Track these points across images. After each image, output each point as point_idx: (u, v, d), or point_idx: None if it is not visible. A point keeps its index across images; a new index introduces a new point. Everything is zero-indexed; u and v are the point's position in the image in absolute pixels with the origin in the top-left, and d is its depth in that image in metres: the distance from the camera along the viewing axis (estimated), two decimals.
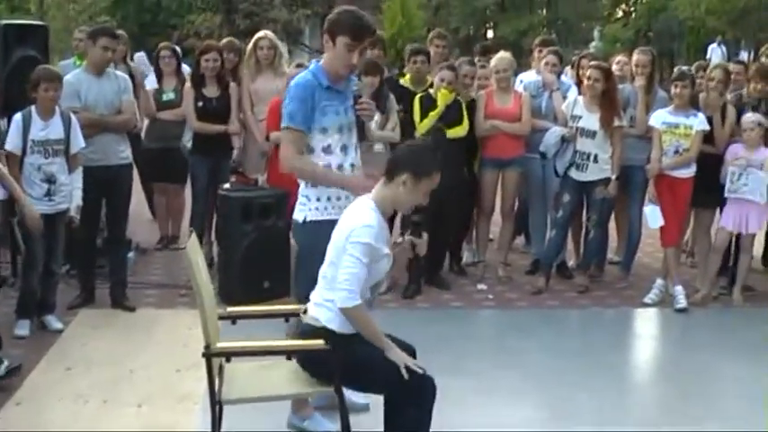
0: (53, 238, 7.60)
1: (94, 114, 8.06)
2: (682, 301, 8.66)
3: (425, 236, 5.05)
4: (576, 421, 6.03)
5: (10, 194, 7.07)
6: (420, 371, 4.63)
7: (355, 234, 4.69)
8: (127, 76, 8.63)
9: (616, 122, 8.81)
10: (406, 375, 4.58)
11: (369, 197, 4.91)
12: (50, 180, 7.48)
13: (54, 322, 7.78)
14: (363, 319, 4.70)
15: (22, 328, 7.58)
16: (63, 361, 6.80)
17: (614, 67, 9.48)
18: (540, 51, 10.27)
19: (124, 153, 8.29)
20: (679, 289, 8.74)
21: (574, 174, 8.92)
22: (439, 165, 4.92)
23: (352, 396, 5.68)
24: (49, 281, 7.80)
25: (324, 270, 4.89)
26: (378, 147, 5.88)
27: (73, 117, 7.68)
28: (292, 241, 5.96)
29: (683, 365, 7.35)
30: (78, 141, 7.67)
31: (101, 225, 8.70)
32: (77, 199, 7.66)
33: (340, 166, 5.49)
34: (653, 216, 8.82)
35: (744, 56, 28.92)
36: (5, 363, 6.44)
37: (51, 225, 7.49)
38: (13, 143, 7.34)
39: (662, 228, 8.86)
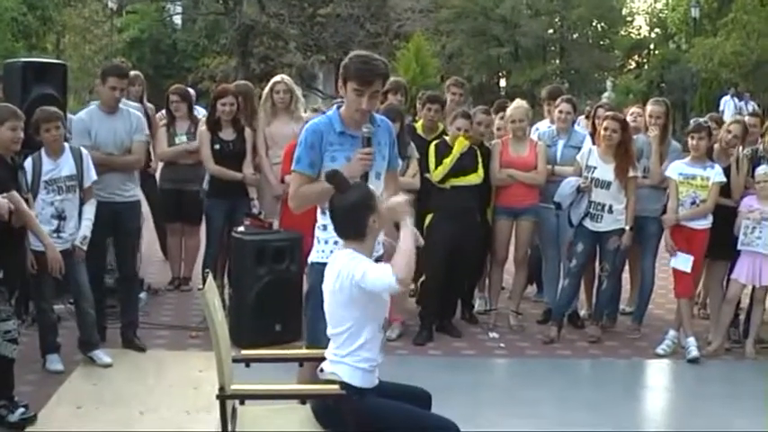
0: (71, 274, 7.60)
1: (101, 153, 8.11)
2: (694, 352, 8.61)
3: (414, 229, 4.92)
4: None
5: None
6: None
7: (348, 267, 4.66)
8: (141, 116, 8.69)
9: (630, 173, 8.82)
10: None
11: (342, 249, 4.88)
12: (60, 216, 7.55)
13: (103, 356, 7.79)
14: (407, 264, 4.58)
15: (53, 363, 7.58)
16: (73, 400, 6.77)
17: (628, 118, 9.49)
18: (549, 104, 10.32)
19: (130, 192, 8.35)
20: (691, 340, 8.70)
21: (588, 224, 8.91)
22: (348, 185, 4.91)
23: None
24: (84, 318, 7.79)
25: (330, 330, 4.83)
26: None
27: (83, 151, 7.75)
28: (305, 285, 5.92)
29: (694, 417, 7.29)
30: (90, 175, 7.73)
31: (113, 266, 8.74)
32: (85, 230, 7.68)
33: None
34: (685, 260, 8.77)
35: (750, 108, 28.95)
36: (21, 409, 6.42)
37: (64, 262, 7.43)
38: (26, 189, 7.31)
39: (675, 278, 8.85)
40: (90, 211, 7.75)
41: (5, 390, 6.49)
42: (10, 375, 6.56)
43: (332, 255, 5.01)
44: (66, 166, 7.59)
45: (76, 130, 8.20)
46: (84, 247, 7.68)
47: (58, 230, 7.52)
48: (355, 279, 4.59)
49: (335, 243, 5.37)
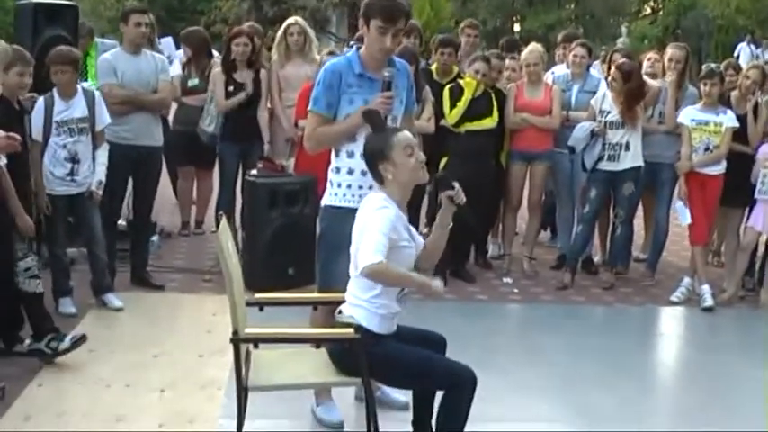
0: (84, 218, 7.63)
1: (131, 91, 8.10)
2: (708, 300, 8.59)
3: (456, 184, 4.91)
4: (598, 420, 5.93)
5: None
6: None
7: (372, 216, 4.67)
8: (164, 57, 8.69)
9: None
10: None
11: (377, 192, 4.88)
12: (74, 159, 7.49)
13: (114, 300, 7.78)
14: (388, 273, 4.59)
15: (66, 306, 7.59)
16: (86, 344, 6.73)
17: (645, 64, 9.44)
18: (565, 48, 10.25)
19: (157, 135, 8.36)
20: (706, 288, 8.68)
21: (606, 165, 8.83)
22: (384, 126, 5.06)
23: (392, 393, 5.66)
24: (95, 263, 7.79)
25: (351, 271, 4.82)
26: None
27: (96, 93, 7.71)
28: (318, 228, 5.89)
29: (707, 366, 7.28)
30: (103, 118, 7.67)
31: (127, 209, 8.75)
32: (100, 174, 7.62)
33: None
34: (683, 212, 8.76)
35: (766, 55, 28.71)
36: (68, 336, 6.50)
37: (77, 206, 7.54)
38: (35, 129, 7.33)
39: (690, 225, 8.80)
40: (103, 155, 7.69)
41: (46, 323, 6.57)
42: (43, 309, 6.65)
43: (366, 196, 5.00)
44: (79, 107, 7.53)
45: (102, 69, 8.22)
46: (101, 192, 7.64)
47: (71, 173, 7.49)
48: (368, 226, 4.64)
49: (348, 186, 5.37)
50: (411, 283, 4.68)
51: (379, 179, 4.84)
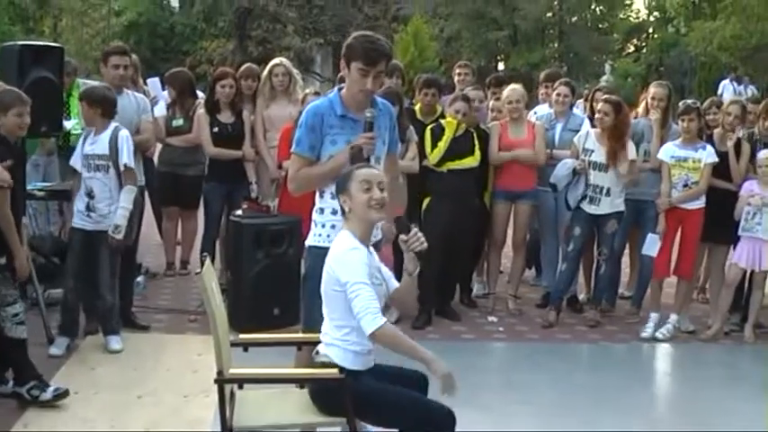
0: (95, 259, 7.62)
1: None
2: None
3: (414, 228, 4.83)
4: None
5: None
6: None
7: (345, 260, 4.65)
8: (145, 97, 8.73)
9: (630, 156, 8.77)
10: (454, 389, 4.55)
11: (343, 230, 4.88)
12: (90, 195, 7.56)
13: (114, 344, 7.73)
14: (394, 336, 4.60)
15: (57, 347, 7.55)
16: (70, 385, 6.71)
17: (642, 105, 9.52)
18: (547, 87, 10.28)
19: (139, 175, 8.30)
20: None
21: (586, 207, 8.89)
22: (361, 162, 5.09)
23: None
24: (103, 305, 7.75)
25: (324, 310, 4.83)
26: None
27: (121, 132, 7.64)
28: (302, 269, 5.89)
29: (693, 402, 7.29)
30: (123, 158, 7.58)
31: None
32: (118, 218, 7.54)
33: None
34: (653, 243, 8.82)
35: (749, 92, 28.90)
36: (51, 387, 6.44)
37: (92, 244, 7.57)
38: (74, 158, 7.70)
39: (657, 257, 8.90)
40: (125, 199, 7.61)
41: (29, 370, 6.51)
42: (26, 356, 6.58)
43: (336, 236, 5.00)
44: (101, 144, 7.58)
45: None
46: (118, 236, 7.53)
47: (88, 209, 7.57)
48: (344, 283, 4.60)
49: (333, 227, 5.37)
50: (419, 357, 4.62)
51: (342, 211, 4.85)
